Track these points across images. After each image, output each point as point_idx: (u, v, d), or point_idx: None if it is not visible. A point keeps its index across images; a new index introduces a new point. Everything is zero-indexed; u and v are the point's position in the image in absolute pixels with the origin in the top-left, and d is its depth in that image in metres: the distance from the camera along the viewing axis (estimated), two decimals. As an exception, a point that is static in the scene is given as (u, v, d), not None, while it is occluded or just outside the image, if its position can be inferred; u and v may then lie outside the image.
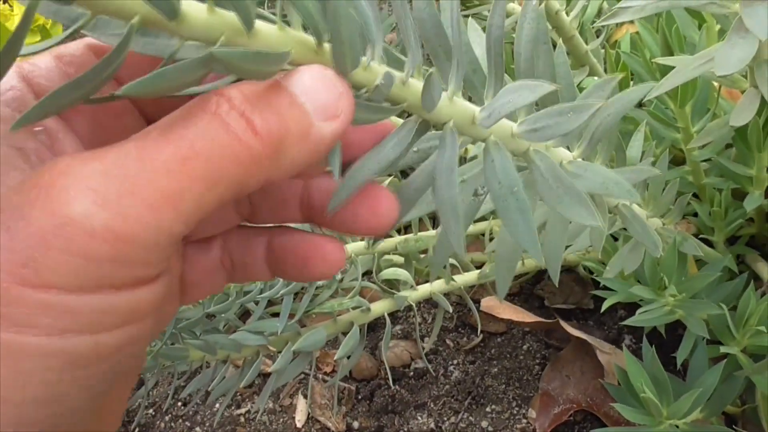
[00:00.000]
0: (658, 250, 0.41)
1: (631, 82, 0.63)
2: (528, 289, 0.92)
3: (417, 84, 0.27)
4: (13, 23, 0.44)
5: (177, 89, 0.22)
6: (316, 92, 0.23)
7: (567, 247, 0.52)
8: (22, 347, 0.20)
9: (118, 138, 0.28)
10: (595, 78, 0.64)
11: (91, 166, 0.21)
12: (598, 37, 0.68)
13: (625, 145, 0.53)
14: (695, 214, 0.67)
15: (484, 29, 0.34)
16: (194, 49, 0.23)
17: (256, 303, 0.67)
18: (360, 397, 0.86)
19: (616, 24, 0.72)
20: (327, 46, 0.25)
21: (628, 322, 0.57)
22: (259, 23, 0.23)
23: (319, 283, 0.71)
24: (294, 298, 0.67)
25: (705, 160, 0.65)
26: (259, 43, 0.23)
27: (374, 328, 0.92)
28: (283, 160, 0.23)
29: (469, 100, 0.30)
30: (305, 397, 0.86)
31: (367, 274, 0.76)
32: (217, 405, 0.86)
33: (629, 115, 0.62)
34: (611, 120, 0.32)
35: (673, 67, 0.49)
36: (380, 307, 0.71)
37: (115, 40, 0.26)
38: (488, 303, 0.82)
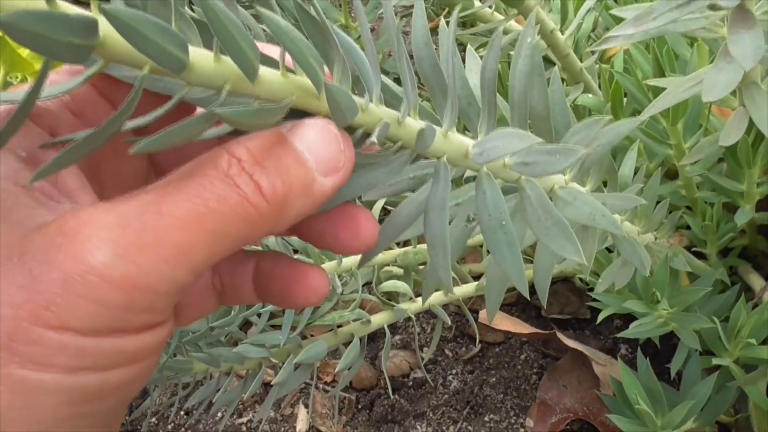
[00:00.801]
0: (646, 270, 0.42)
1: (625, 100, 0.64)
2: (524, 299, 0.93)
3: (413, 123, 0.29)
4: (25, 50, 0.45)
5: (184, 142, 0.24)
6: (320, 148, 0.25)
7: (563, 260, 0.53)
8: (39, 384, 0.21)
9: (117, 171, 0.29)
10: (589, 95, 0.66)
11: (112, 217, 0.22)
12: (592, 54, 0.69)
13: (619, 162, 0.54)
14: (688, 227, 0.69)
15: (482, 57, 0.36)
16: (201, 91, 0.25)
17: (259, 315, 0.68)
18: (360, 406, 0.87)
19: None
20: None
21: (623, 334, 0.58)
22: (263, 69, 0.24)
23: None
24: (295, 311, 0.68)
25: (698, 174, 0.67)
26: (263, 89, 0.24)
27: (374, 338, 0.93)
28: (286, 215, 0.25)
29: (464, 129, 0.31)
30: (306, 406, 0.87)
31: (366, 285, 0.77)
32: (220, 414, 0.88)
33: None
34: (602, 150, 0.34)
35: (665, 88, 0.50)
36: (380, 318, 0.72)
37: (123, 76, 0.27)
38: (485, 314, 0.84)
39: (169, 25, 0.22)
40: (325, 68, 0.26)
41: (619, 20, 0.64)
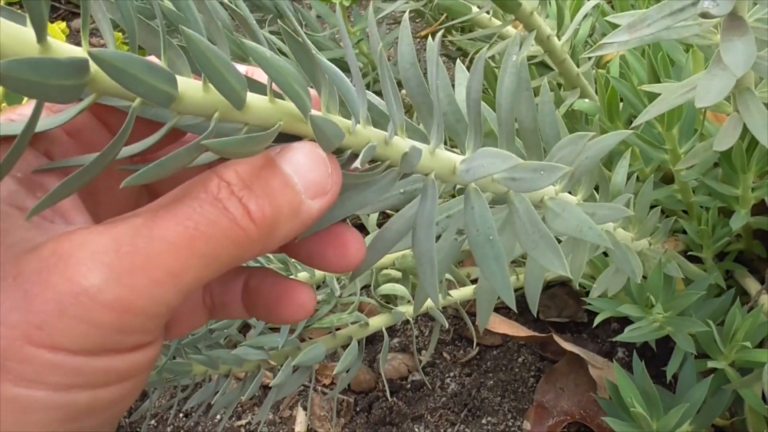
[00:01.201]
0: (637, 277, 0.43)
1: (621, 105, 0.65)
2: (523, 302, 0.93)
3: (400, 142, 0.29)
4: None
5: (175, 172, 0.24)
6: (308, 171, 0.26)
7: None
8: (32, 401, 0.22)
9: (110, 189, 0.29)
10: (586, 100, 0.66)
11: (105, 240, 0.23)
12: (589, 59, 0.70)
13: (613, 167, 0.55)
14: (684, 231, 0.69)
15: (468, 68, 0.36)
16: (191, 118, 0.25)
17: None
18: (358, 409, 0.87)
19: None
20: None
21: (619, 338, 0.59)
22: (251, 96, 0.25)
23: (319, 298, 0.72)
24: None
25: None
26: (251, 116, 0.25)
27: (372, 340, 0.94)
28: (275, 238, 0.25)
29: (452, 145, 0.32)
30: (305, 408, 0.88)
31: (365, 288, 0.78)
32: (218, 416, 0.88)
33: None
34: (589, 162, 0.34)
35: (660, 94, 0.51)
36: (378, 321, 0.73)
37: (116, 104, 0.27)
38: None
39: (158, 59, 0.22)
40: (315, 90, 0.27)
41: (615, 26, 0.65)
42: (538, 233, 0.31)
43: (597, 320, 0.63)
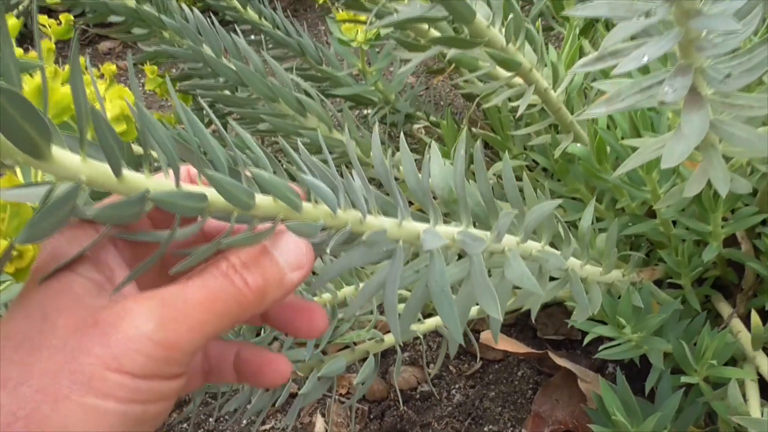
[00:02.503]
0: (593, 310, 0.52)
1: (608, 149, 0.74)
2: (523, 321, 1.02)
3: (373, 221, 0.39)
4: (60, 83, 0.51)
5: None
6: (289, 253, 0.36)
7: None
8: (105, 409, 0.31)
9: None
10: (578, 144, 0.75)
11: (154, 302, 0.33)
12: (583, 106, 0.79)
13: (604, 203, 0.64)
14: (662, 260, 0.78)
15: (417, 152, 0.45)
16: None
17: (286, 334, 0.77)
18: (372, 416, 0.96)
19: (596, 93, 0.83)
20: (306, 204, 0.37)
21: (598, 355, 0.68)
22: (260, 198, 0.36)
23: (340, 315, 0.81)
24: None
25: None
26: (260, 211, 0.36)
27: (384, 354, 1.02)
28: (266, 300, 0.35)
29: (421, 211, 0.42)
30: (323, 415, 0.97)
31: (380, 306, 0.86)
32: (245, 421, 0.97)
33: (600, 175, 0.73)
34: (539, 217, 0.44)
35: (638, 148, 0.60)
36: (392, 337, 0.82)
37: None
38: (487, 335, 0.93)
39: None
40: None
41: (606, 73, 0.74)
42: (484, 284, 0.41)
43: (586, 339, 0.71)
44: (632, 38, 0.48)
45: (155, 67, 1.17)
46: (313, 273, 0.62)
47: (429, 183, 0.41)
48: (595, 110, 0.50)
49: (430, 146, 0.44)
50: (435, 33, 0.77)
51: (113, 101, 0.49)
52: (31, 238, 0.29)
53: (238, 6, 1.13)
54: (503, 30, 0.68)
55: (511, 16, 0.65)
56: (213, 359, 0.43)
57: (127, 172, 0.31)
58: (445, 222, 0.45)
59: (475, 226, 0.47)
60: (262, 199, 0.36)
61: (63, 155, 0.29)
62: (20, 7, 2.02)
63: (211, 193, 0.33)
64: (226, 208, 0.34)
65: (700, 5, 0.44)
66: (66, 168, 0.29)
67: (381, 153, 0.41)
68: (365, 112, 1.42)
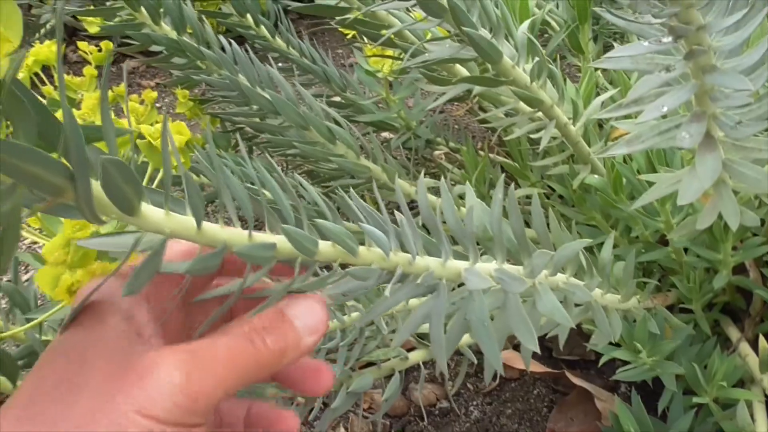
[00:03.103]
0: (614, 336, 0.56)
1: (624, 180, 0.78)
2: (539, 341, 1.06)
3: (420, 261, 0.43)
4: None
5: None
6: (306, 317, 0.39)
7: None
8: None
9: (176, 318, 0.42)
10: (596, 176, 0.80)
11: (184, 355, 0.36)
12: (600, 140, 0.84)
13: (619, 232, 0.68)
14: (674, 286, 0.82)
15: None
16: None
17: (317, 352, 0.82)
18: (393, 431, 1.00)
19: (611, 126, 0.88)
20: (361, 248, 0.41)
21: (615, 377, 0.72)
22: (322, 245, 0.39)
23: (367, 333, 0.86)
24: (348, 349, 0.81)
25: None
26: (321, 256, 0.40)
27: (405, 371, 1.06)
28: (284, 361, 0.38)
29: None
30: (346, 429, 1.01)
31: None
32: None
33: (616, 205, 0.78)
34: (570, 254, 0.49)
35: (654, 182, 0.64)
36: (416, 356, 0.86)
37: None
38: (505, 355, 0.97)
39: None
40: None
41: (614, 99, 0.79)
42: (521, 318, 0.45)
43: (601, 361, 0.75)
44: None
45: (186, 92, 1.23)
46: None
47: (472, 224, 0.45)
48: (617, 150, 0.55)
49: (457, 183, 0.49)
50: (461, 68, 0.82)
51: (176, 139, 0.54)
52: (132, 290, 0.33)
53: (267, 35, 1.18)
54: (527, 68, 0.73)
55: (537, 59, 0.70)
56: (224, 414, 0.45)
57: (206, 224, 0.35)
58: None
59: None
60: (322, 245, 0.40)
61: (150, 210, 0.33)
62: (47, 26, 2.08)
63: (279, 240, 0.38)
64: (291, 255, 0.38)
65: (714, 60, 0.49)
66: (153, 222, 0.34)
67: (426, 200, 0.46)
68: (383, 135, 1.47)
